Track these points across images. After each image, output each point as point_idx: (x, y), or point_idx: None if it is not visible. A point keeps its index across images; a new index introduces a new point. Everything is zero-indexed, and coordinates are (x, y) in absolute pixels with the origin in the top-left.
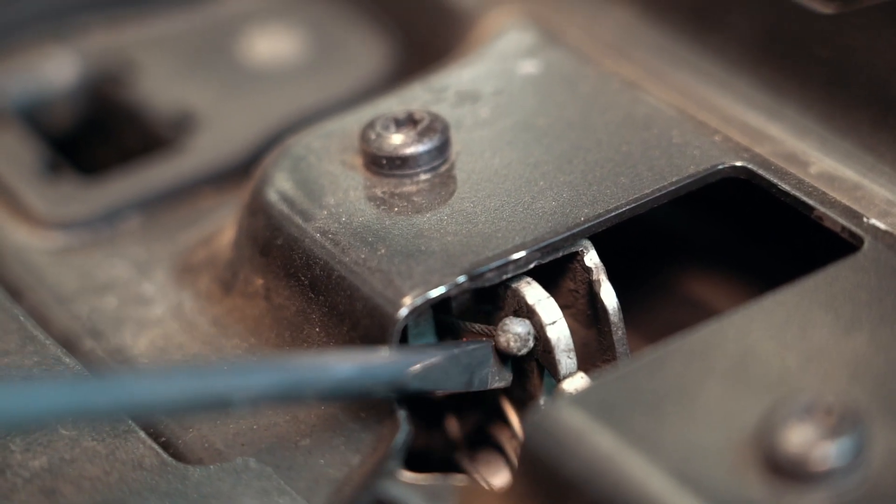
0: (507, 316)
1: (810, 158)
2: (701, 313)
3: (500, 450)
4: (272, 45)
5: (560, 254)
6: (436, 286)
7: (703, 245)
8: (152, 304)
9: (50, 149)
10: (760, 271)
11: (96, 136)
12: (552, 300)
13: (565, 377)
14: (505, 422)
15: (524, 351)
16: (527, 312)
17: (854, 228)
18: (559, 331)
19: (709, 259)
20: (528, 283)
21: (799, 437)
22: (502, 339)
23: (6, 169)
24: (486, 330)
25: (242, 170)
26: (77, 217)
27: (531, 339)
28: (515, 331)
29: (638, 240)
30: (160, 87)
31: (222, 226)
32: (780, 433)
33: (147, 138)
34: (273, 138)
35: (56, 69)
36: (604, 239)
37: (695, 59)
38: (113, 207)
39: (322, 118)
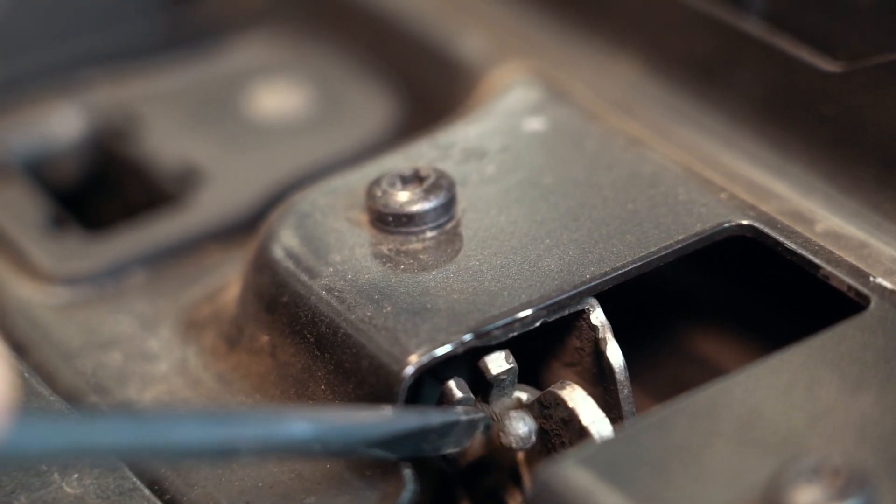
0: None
1: (816, 216)
2: (707, 371)
3: None
4: (277, 100)
5: (566, 312)
6: (442, 344)
7: (709, 303)
8: (157, 360)
9: (55, 203)
10: (767, 329)
11: (101, 190)
12: (604, 418)
13: None
14: (516, 484)
15: (528, 447)
16: (579, 432)
17: (860, 287)
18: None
19: (715, 317)
20: (573, 389)
21: (807, 499)
22: (504, 440)
23: (11, 224)
24: (495, 416)
25: (247, 225)
26: (82, 272)
27: (533, 436)
28: (517, 433)
29: (644, 297)
30: (165, 141)
31: (227, 282)
32: (787, 494)
33: (152, 193)
34: (278, 194)
35: (61, 123)
36: (610, 296)
37: (700, 116)
38: (118, 263)
39: (328, 174)
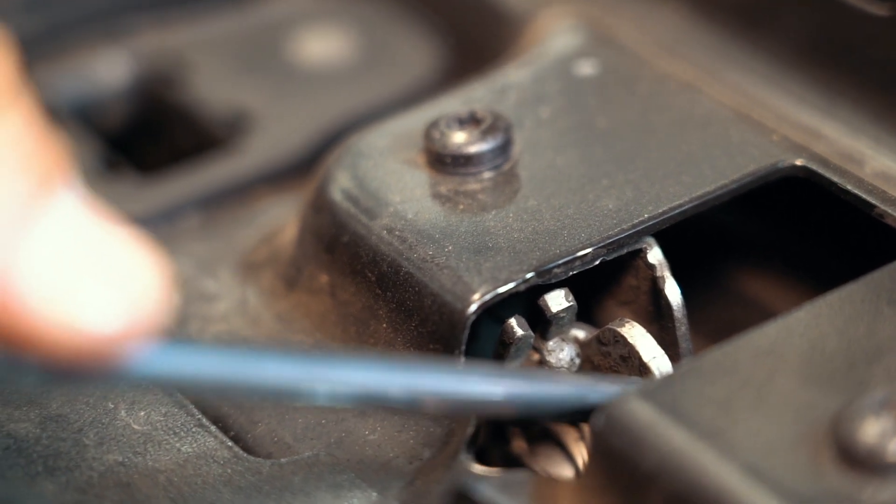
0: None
1: (865, 157)
2: (758, 312)
3: (560, 445)
4: (323, 45)
5: (625, 251)
6: (504, 283)
7: (761, 244)
8: (216, 300)
9: (106, 147)
10: (819, 270)
11: (148, 136)
12: (664, 355)
13: None
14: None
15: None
16: (639, 368)
17: None
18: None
19: (766, 258)
20: (632, 326)
21: (875, 431)
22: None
23: None
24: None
25: (297, 169)
26: (136, 215)
27: (576, 360)
28: (560, 359)
29: (695, 239)
30: (212, 87)
31: (282, 224)
32: (855, 426)
33: (200, 138)
34: (326, 138)
35: (108, 69)
36: (663, 238)
37: (746, 58)
38: (172, 206)
39: (373, 118)
